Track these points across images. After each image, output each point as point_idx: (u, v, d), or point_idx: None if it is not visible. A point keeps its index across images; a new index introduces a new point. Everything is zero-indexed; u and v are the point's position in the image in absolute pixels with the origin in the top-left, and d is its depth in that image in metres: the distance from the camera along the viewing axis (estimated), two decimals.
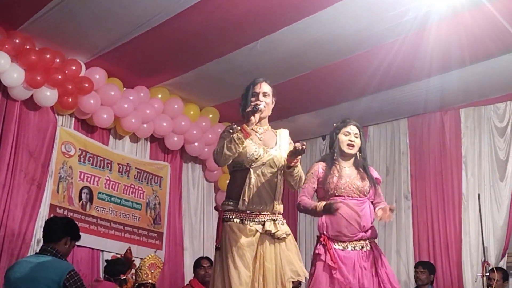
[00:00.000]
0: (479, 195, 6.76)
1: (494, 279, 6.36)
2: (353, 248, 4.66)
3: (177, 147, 7.91)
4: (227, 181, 4.15)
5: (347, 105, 7.51)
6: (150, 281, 6.29)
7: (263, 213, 3.92)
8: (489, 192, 7.22)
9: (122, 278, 6.18)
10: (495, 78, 6.72)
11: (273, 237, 3.90)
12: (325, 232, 4.69)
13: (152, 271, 6.26)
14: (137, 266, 6.29)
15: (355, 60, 6.38)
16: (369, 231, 4.74)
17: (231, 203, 3.93)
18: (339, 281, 4.51)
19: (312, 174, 4.83)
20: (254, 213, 3.90)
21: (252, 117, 3.87)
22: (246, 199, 3.86)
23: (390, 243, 7.84)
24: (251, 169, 3.90)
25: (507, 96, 7.21)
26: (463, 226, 7.33)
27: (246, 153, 3.90)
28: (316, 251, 4.63)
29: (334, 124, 4.98)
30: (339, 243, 4.66)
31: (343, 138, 4.82)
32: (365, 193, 4.75)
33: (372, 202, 4.91)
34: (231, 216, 3.88)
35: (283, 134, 4.18)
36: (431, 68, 6.42)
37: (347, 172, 4.77)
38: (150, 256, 6.34)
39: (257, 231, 3.87)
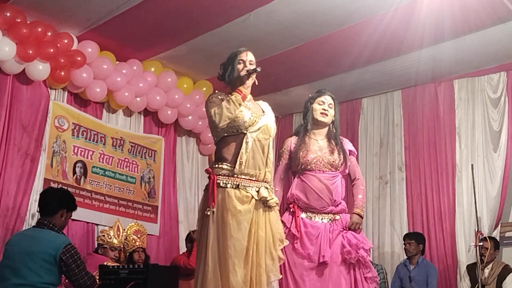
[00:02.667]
0: (472, 166, 6.77)
1: (487, 248, 6.41)
2: (320, 220, 4.70)
3: (171, 120, 7.90)
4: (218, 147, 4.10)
5: (341, 77, 7.50)
6: (140, 245, 6.34)
7: (257, 179, 3.94)
8: (483, 163, 7.25)
9: None
10: (488, 48, 6.71)
11: (265, 205, 3.93)
12: (295, 201, 4.73)
13: (139, 236, 6.32)
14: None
15: (348, 31, 6.35)
16: (339, 205, 4.77)
17: (226, 166, 3.91)
18: (298, 251, 4.57)
19: (285, 150, 4.90)
20: (249, 178, 3.91)
21: (248, 80, 3.98)
22: (243, 162, 3.87)
23: (384, 215, 7.88)
24: (248, 133, 3.93)
25: (501, 66, 7.20)
26: (457, 197, 7.37)
27: (243, 117, 3.93)
28: (282, 219, 4.53)
29: (310, 95, 5.00)
30: (307, 213, 4.71)
31: (316, 107, 4.87)
32: (337, 167, 4.76)
33: (351, 180, 4.98)
34: (226, 182, 3.87)
35: (265, 105, 4.26)
36: (424, 39, 6.40)
37: (319, 144, 4.79)
38: (132, 224, 6.40)
39: (252, 197, 3.88)
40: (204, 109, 4.15)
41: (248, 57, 4.11)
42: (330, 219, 4.71)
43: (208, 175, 3.96)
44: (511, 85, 7.23)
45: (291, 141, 4.90)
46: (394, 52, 6.85)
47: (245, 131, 3.93)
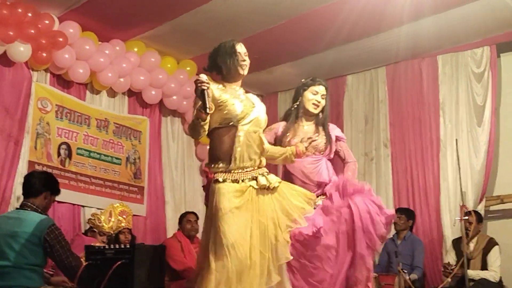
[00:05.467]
0: (457, 140, 6.82)
1: (472, 223, 6.46)
2: None
3: (155, 101, 7.86)
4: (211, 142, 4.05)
5: (324, 54, 7.50)
6: (126, 226, 6.34)
7: (252, 169, 3.91)
8: (467, 137, 7.30)
9: None
10: (470, 23, 6.72)
11: (268, 190, 3.90)
12: None
13: (125, 217, 6.31)
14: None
15: (329, 8, 6.34)
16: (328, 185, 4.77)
17: (222, 164, 3.87)
18: None
19: (272, 129, 4.83)
20: (245, 170, 3.88)
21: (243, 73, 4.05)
22: (237, 157, 3.84)
23: None
24: (239, 127, 3.88)
25: (484, 41, 7.23)
26: (442, 172, 7.42)
27: (235, 110, 3.88)
28: None
29: (303, 80, 4.97)
30: None
31: (309, 96, 4.82)
32: (321, 150, 4.75)
33: (344, 164, 4.98)
34: (225, 178, 3.82)
35: (255, 98, 4.19)
36: (404, 15, 6.41)
37: (305, 130, 4.79)
38: (117, 205, 6.38)
39: (251, 187, 3.85)
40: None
41: (243, 49, 4.04)
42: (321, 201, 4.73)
43: (206, 174, 3.94)
44: (495, 60, 7.26)
45: (280, 125, 4.87)
46: (375, 28, 6.85)
47: (236, 124, 3.89)
